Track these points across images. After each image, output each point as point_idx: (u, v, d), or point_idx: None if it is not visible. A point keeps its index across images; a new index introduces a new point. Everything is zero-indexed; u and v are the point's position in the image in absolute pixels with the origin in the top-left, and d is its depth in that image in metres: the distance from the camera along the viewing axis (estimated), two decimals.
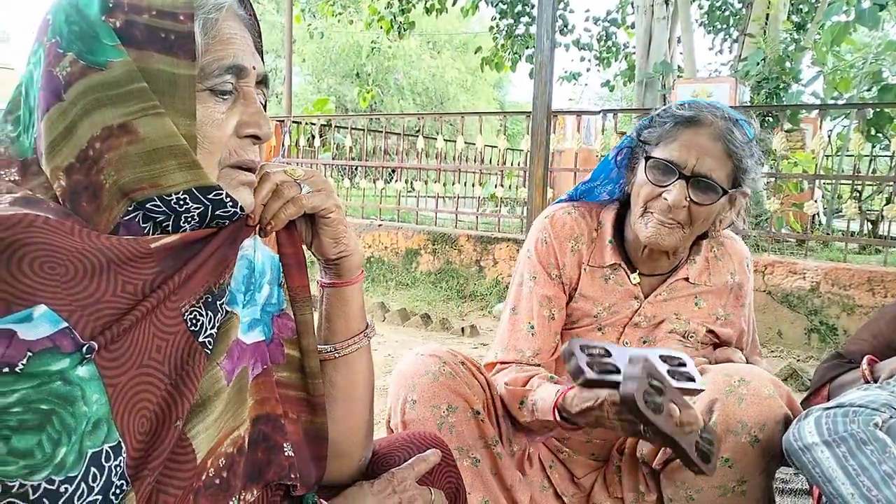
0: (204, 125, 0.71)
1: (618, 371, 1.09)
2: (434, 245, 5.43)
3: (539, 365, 1.44)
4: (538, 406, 1.31)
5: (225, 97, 0.74)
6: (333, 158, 7.35)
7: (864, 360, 1.79)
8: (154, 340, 0.69)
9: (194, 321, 0.72)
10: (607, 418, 1.14)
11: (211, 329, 0.74)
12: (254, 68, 0.77)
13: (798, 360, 3.64)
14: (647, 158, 1.33)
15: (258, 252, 0.84)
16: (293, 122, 6.98)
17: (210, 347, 0.74)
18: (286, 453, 0.83)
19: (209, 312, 0.74)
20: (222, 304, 0.76)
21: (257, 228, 0.82)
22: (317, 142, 6.64)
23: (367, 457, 0.99)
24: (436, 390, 1.31)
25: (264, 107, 0.81)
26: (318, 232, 0.87)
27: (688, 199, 1.28)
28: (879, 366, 1.74)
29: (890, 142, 4.29)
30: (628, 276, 1.45)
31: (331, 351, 0.91)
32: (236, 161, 0.76)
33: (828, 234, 4.66)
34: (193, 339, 0.72)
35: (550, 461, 1.53)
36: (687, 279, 1.46)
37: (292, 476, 0.83)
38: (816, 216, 7.18)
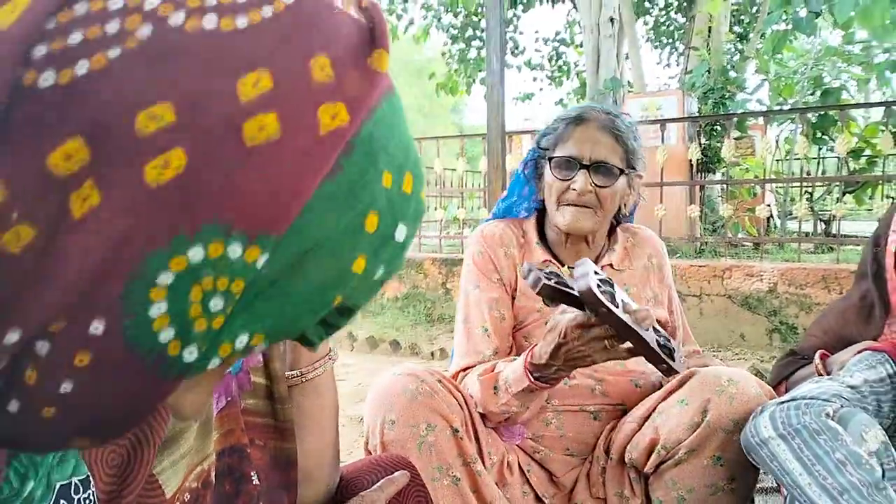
0: None
1: (571, 288, 1.18)
2: (399, 271, 5.43)
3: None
4: (510, 379, 1.36)
5: None
6: None
7: (817, 355, 1.85)
8: None
9: None
10: (576, 348, 1.22)
11: None
12: None
13: (762, 361, 3.72)
14: (551, 159, 1.49)
15: None
16: None
17: None
18: (253, 482, 0.84)
19: None
20: None
21: None
22: None
23: (335, 481, 1.00)
24: (414, 409, 1.33)
25: None
26: None
27: (592, 184, 1.45)
28: (831, 359, 1.81)
29: (835, 143, 4.45)
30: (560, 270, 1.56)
31: (297, 376, 0.92)
32: None
33: (782, 235, 4.80)
34: None
35: (528, 465, 1.56)
36: (612, 265, 1.58)
37: None
38: (771, 219, 7.40)
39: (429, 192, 6.12)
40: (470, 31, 10.72)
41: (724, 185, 4.79)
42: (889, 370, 1.27)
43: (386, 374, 1.41)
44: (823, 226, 6.21)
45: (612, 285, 1.19)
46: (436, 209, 5.70)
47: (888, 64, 6.10)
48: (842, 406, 1.19)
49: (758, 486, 2.09)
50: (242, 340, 0.39)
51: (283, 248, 0.36)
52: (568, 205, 1.47)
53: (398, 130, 0.41)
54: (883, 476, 1.12)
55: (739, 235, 5.89)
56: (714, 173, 5.75)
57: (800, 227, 4.65)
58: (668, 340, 1.23)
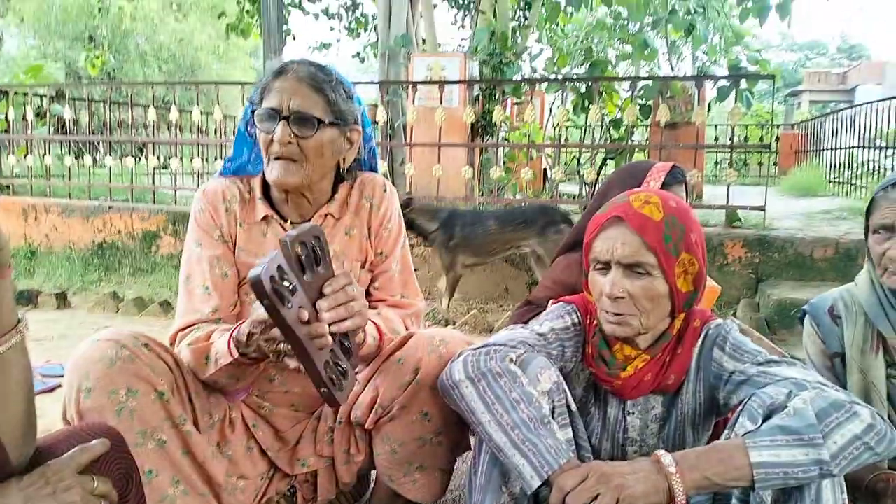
0: None
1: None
2: (175, 226, 5.12)
3: (220, 320, 1.48)
4: (219, 351, 1.35)
5: None
6: (55, 132, 6.56)
7: (550, 304, 2.06)
8: None
9: None
10: (261, 340, 1.23)
11: None
12: None
13: None
14: (254, 113, 1.48)
15: None
16: (1, 92, 6.10)
17: None
18: None
19: None
20: None
21: None
22: (30, 114, 5.86)
23: (27, 454, 0.95)
24: (113, 375, 1.28)
25: None
26: None
27: (291, 135, 1.43)
28: None
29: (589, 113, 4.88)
30: (282, 226, 1.56)
31: None
32: None
33: (552, 197, 5.22)
34: None
35: (253, 421, 1.57)
36: (332, 215, 1.59)
37: None
38: (547, 181, 8.01)
39: (210, 141, 5.79)
40: None
41: (497, 149, 5.05)
42: (574, 319, 1.45)
43: (85, 342, 1.34)
44: (587, 188, 6.84)
45: (292, 287, 1.13)
46: (216, 159, 5.41)
47: (640, 41, 6.79)
48: (525, 352, 1.33)
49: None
50: None
51: None
52: (276, 158, 1.46)
53: None
54: (553, 411, 1.28)
55: (518, 196, 6.31)
56: (492, 136, 6.06)
57: (557, 188, 5.06)
58: (344, 376, 1.22)
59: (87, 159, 5.72)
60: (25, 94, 6.18)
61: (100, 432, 1.06)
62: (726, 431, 1.23)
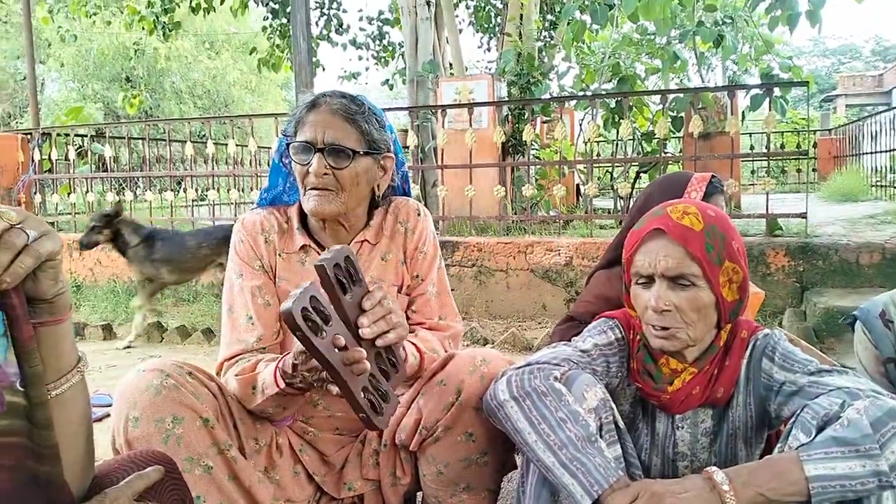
0: None
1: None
2: None
3: (265, 349, 1.50)
4: (266, 382, 1.37)
5: None
6: (96, 171, 6.76)
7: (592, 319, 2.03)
8: None
9: None
10: (304, 371, 1.25)
11: None
12: None
13: None
14: (289, 146, 1.50)
15: None
16: (43, 133, 6.31)
17: None
18: None
19: None
20: None
21: None
22: (72, 154, 6.05)
23: (86, 485, 0.96)
24: (158, 404, 1.30)
25: None
26: (38, 275, 0.81)
27: (327, 166, 1.45)
28: None
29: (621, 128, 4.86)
30: (319, 255, 1.57)
31: (50, 389, 0.87)
32: None
33: (586, 212, 5.19)
34: None
35: (300, 446, 1.58)
36: (367, 241, 1.61)
37: None
38: (580, 197, 7.97)
39: (245, 172, 5.91)
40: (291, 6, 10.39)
41: (528, 167, 5.05)
42: (618, 334, 1.42)
43: (131, 372, 1.36)
44: (622, 202, 6.78)
45: (325, 315, 1.13)
46: (252, 190, 5.51)
47: (670, 55, 6.74)
48: (570, 369, 1.31)
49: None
50: None
51: None
52: (311, 189, 1.48)
53: None
54: (601, 429, 1.26)
55: (551, 213, 6.29)
56: (523, 155, 6.07)
57: (591, 204, 5.03)
58: (385, 399, 1.21)
59: (128, 195, 5.88)
60: (67, 135, 6.39)
61: (154, 459, 1.07)
62: (779, 444, 1.20)
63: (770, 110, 4.52)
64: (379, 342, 1.23)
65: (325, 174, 1.45)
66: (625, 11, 5.14)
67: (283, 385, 1.33)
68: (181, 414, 1.31)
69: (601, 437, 1.22)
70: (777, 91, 5.27)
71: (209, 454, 1.35)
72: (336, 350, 1.13)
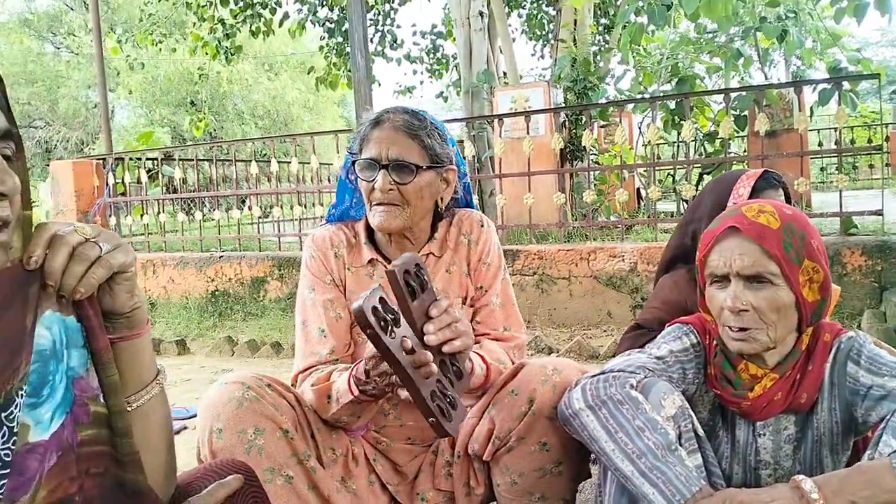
0: None
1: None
2: (281, 271, 5.34)
3: (337, 360, 1.53)
4: (340, 390, 1.39)
5: None
6: (166, 192, 7.03)
7: (661, 326, 1.99)
8: None
9: None
10: (376, 376, 1.28)
11: None
12: None
13: None
14: (354, 163, 1.54)
15: (53, 327, 0.80)
16: (117, 158, 6.61)
17: None
18: None
19: None
20: (10, 416, 0.71)
21: (56, 295, 0.78)
22: (144, 177, 6.32)
23: (169, 493, 0.99)
24: (241, 416, 1.34)
25: (10, 160, 0.80)
26: (113, 288, 0.85)
27: (392, 182, 1.49)
28: None
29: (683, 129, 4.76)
30: (386, 268, 1.58)
31: (130, 402, 0.90)
32: None
33: (649, 216, 5.09)
34: None
35: (374, 455, 1.60)
36: (433, 254, 1.63)
37: None
38: (641, 201, 7.82)
39: (308, 189, 6.04)
40: (346, 25, 10.61)
41: (588, 172, 5.00)
42: (693, 340, 1.39)
43: (214, 385, 1.41)
44: (684, 205, 6.63)
45: (394, 316, 1.15)
46: (314, 206, 5.64)
47: (733, 52, 6.58)
48: (646, 377, 1.29)
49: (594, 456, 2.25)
50: None
51: None
52: (377, 204, 1.51)
53: None
54: (680, 437, 1.23)
55: (612, 218, 6.20)
56: (582, 161, 6.01)
57: (655, 207, 4.94)
58: (453, 406, 1.21)
59: (198, 214, 6.09)
60: (139, 159, 6.67)
61: (233, 468, 1.09)
62: (868, 451, 1.15)
63: (840, 104, 4.34)
64: (445, 348, 1.24)
65: (391, 189, 1.48)
66: (686, 10, 5.04)
67: (356, 392, 1.35)
68: (262, 425, 1.35)
69: (681, 445, 1.20)
70: (846, 85, 5.08)
71: (289, 464, 1.38)
72: (404, 352, 1.15)
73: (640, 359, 1.34)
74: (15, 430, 0.72)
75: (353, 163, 1.56)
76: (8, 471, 0.72)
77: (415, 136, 1.50)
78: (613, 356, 1.77)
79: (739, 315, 1.24)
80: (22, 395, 0.74)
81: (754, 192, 1.90)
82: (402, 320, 1.18)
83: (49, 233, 0.77)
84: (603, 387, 1.24)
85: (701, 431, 1.29)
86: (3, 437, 0.71)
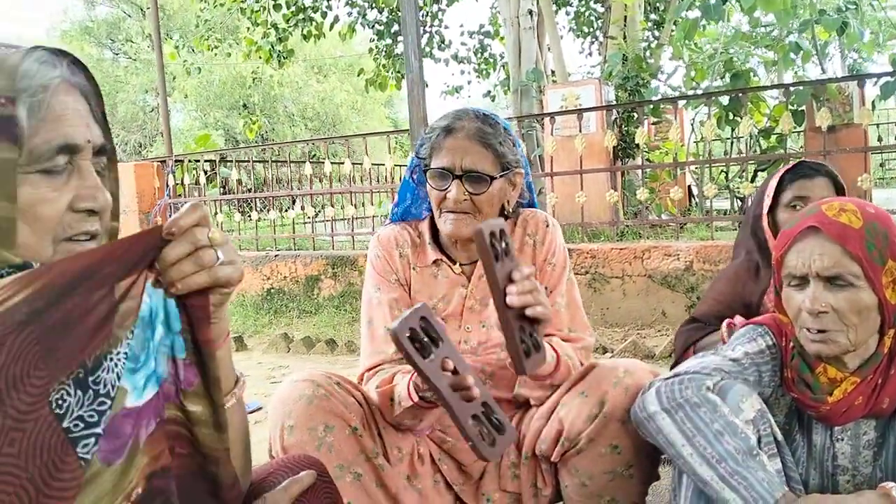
0: (34, 206, 0.72)
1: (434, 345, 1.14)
2: (334, 269, 5.42)
3: (402, 359, 1.51)
4: (401, 395, 1.40)
5: (57, 176, 0.75)
6: (222, 193, 7.20)
7: (724, 325, 1.97)
8: (7, 432, 0.64)
9: (60, 402, 0.69)
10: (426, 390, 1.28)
11: (80, 410, 0.70)
12: (88, 142, 0.77)
13: None
14: (427, 171, 1.54)
15: (153, 296, 0.80)
16: (176, 160, 6.80)
17: (77, 432, 0.70)
18: None
19: (79, 391, 0.70)
20: (97, 379, 0.72)
21: (153, 279, 0.79)
22: (202, 178, 6.48)
23: (244, 491, 1.01)
24: (311, 413, 1.36)
25: (103, 175, 0.82)
26: (208, 295, 0.85)
27: (465, 193, 1.48)
28: (736, 328, 1.93)
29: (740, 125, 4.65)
30: (451, 268, 1.62)
31: None
32: (71, 234, 0.77)
33: (706, 214, 4.98)
34: (58, 424, 0.68)
35: (439, 455, 1.60)
36: None
37: None
38: (693, 198, 7.67)
39: (360, 189, 6.12)
40: (396, 27, 10.70)
41: (642, 170, 4.93)
42: (768, 342, 1.36)
43: (285, 382, 1.43)
44: (739, 203, 6.48)
45: (435, 336, 1.12)
46: (364, 206, 5.70)
47: (791, 46, 6.39)
48: (722, 379, 1.27)
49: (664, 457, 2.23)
50: None
51: None
52: (448, 212, 1.51)
53: None
54: (759, 441, 1.21)
55: (663, 216, 6.10)
56: (634, 158, 5.93)
57: (711, 205, 4.84)
58: (499, 430, 1.16)
59: (254, 215, 6.22)
60: (197, 161, 6.85)
61: (306, 464, 1.11)
62: None
63: None
64: (528, 312, 1.22)
65: (464, 200, 1.49)
66: (743, 4, 4.92)
67: (416, 398, 1.35)
68: (332, 422, 1.37)
69: (760, 449, 1.17)
70: None
71: (358, 461, 1.39)
72: (446, 374, 1.13)
73: (714, 360, 1.32)
74: (101, 392, 0.73)
75: (420, 166, 1.56)
76: (101, 433, 0.73)
77: (488, 145, 1.49)
78: (670, 355, 1.75)
79: (819, 317, 1.20)
80: (111, 358, 0.74)
81: (784, 184, 1.93)
82: (446, 339, 1.15)
83: (193, 219, 0.77)
84: (678, 389, 1.22)
85: (780, 436, 1.26)
86: (89, 399, 0.72)
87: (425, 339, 1.11)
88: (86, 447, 0.72)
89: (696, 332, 1.99)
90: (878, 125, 11.97)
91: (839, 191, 1.91)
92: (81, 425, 0.71)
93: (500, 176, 1.51)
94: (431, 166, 1.52)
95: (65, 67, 0.78)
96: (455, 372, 1.14)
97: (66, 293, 0.69)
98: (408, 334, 1.09)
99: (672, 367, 1.70)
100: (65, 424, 0.69)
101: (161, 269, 0.78)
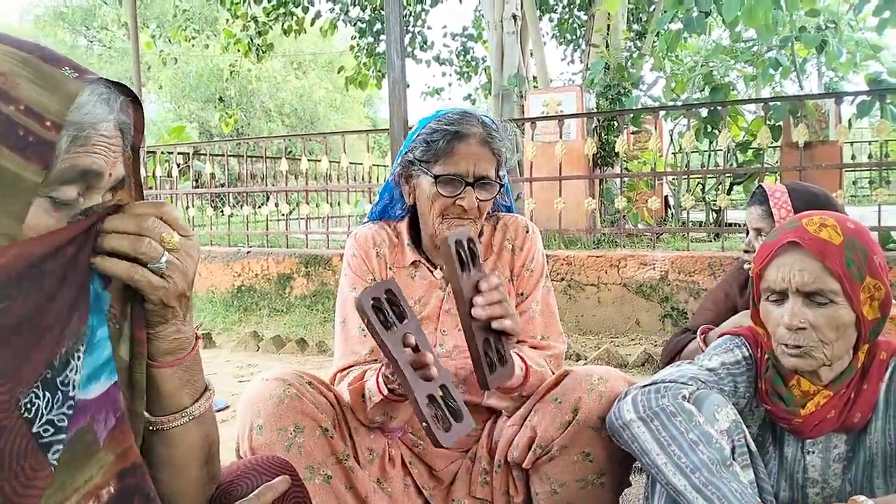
0: (36, 229, 0.70)
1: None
2: (307, 268, 5.35)
3: (376, 360, 1.50)
4: (372, 389, 1.37)
5: (65, 208, 0.72)
6: (195, 187, 7.09)
7: (699, 332, 1.97)
8: None
9: (29, 406, 0.67)
10: (389, 374, 1.27)
11: (49, 414, 0.69)
12: (110, 175, 0.75)
13: (654, 346, 3.90)
14: (436, 177, 1.46)
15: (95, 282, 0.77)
16: (148, 152, 6.68)
17: (47, 437, 0.69)
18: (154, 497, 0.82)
19: (47, 394, 0.68)
20: (66, 380, 0.70)
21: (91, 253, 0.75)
22: (175, 171, 6.38)
23: (208, 496, 0.97)
24: (281, 413, 1.33)
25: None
26: (145, 304, 0.82)
27: (476, 199, 1.47)
28: (710, 335, 1.93)
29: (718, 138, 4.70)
30: (431, 272, 1.59)
31: (155, 423, 0.87)
32: None
33: (682, 225, 5.02)
34: (27, 429, 0.67)
35: (410, 458, 1.58)
36: None
37: None
38: (669, 209, 7.74)
39: (337, 187, 6.06)
40: (378, 25, 10.65)
41: (620, 179, 4.95)
42: (745, 353, 1.35)
43: (255, 380, 1.40)
44: (714, 215, 6.56)
45: (399, 311, 1.12)
46: (339, 204, 5.65)
47: (771, 62, 6.48)
48: (698, 388, 1.26)
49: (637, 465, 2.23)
50: None
51: None
52: (455, 218, 1.47)
53: None
54: (733, 452, 1.20)
55: (639, 226, 6.15)
56: (613, 167, 5.96)
57: (688, 217, 4.89)
58: (456, 416, 1.15)
59: (227, 210, 6.13)
60: (170, 153, 6.74)
61: (277, 466, 1.07)
62: None
63: (882, 117, 4.25)
64: (494, 325, 1.22)
65: (475, 207, 1.47)
66: (725, 18, 4.98)
67: (385, 391, 1.33)
68: (302, 423, 1.34)
69: (734, 460, 1.17)
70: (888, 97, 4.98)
71: (328, 463, 1.37)
72: (406, 350, 1.12)
73: (690, 370, 1.31)
74: (69, 394, 0.71)
75: (417, 168, 1.51)
76: (64, 435, 0.70)
77: (494, 150, 1.47)
78: (643, 364, 1.75)
79: (797, 333, 1.20)
80: (78, 356, 0.72)
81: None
82: (411, 316, 1.15)
83: (156, 208, 0.76)
84: (654, 398, 1.21)
85: (753, 447, 1.26)
86: (58, 402, 0.69)
87: (389, 312, 1.11)
88: (56, 453, 0.69)
89: (682, 341, 2.00)
90: (852, 143, 12.22)
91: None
92: (51, 430, 0.69)
93: (503, 182, 1.51)
94: (438, 172, 1.46)
95: (118, 106, 0.75)
96: (416, 349, 1.13)
97: (14, 289, 0.66)
98: (371, 303, 1.08)
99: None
100: (34, 429, 0.67)
101: (99, 237, 0.75)
